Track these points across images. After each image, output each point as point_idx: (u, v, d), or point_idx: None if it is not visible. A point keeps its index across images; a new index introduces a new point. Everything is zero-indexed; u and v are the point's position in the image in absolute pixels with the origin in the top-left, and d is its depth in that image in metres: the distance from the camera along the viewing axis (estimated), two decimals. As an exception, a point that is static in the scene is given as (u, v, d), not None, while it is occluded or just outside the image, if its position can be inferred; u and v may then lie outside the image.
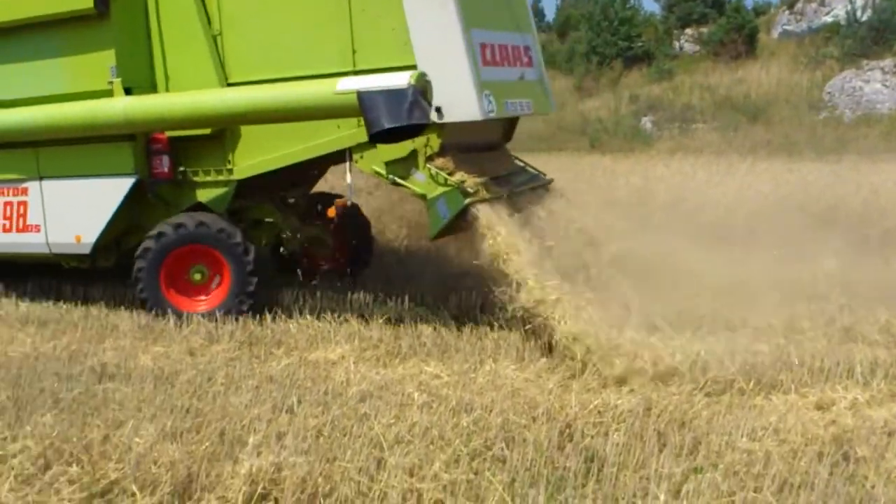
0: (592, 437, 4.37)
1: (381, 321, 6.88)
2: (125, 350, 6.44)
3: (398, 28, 6.67)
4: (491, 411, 4.69)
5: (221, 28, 7.33)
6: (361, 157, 6.99)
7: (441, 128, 6.69)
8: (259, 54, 7.21)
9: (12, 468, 4.32)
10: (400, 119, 6.33)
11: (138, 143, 7.50)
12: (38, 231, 7.93)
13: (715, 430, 4.42)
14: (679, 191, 10.84)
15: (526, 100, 7.40)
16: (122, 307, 7.32)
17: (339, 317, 7.04)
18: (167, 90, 7.46)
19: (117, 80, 7.31)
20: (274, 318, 7.03)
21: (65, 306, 7.47)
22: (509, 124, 8.00)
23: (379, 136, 6.45)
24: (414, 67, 6.47)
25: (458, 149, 6.96)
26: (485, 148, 7.62)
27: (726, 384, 5.11)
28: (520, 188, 7.34)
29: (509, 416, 4.61)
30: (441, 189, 6.68)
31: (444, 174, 6.72)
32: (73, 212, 7.76)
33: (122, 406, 5.06)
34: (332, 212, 7.43)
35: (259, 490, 3.92)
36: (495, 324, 6.40)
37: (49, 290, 8.34)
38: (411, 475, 4.00)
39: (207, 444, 4.41)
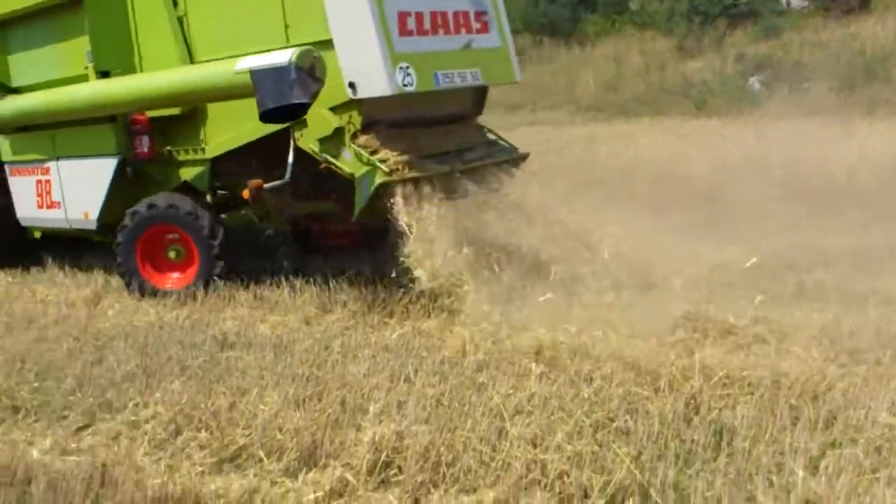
0: (720, 409, 4.23)
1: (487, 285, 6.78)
2: (244, 320, 6.57)
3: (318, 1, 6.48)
4: (612, 382, 4.60)
5: (186, 10, 7.46)
6: (301, 136, 6.80)
7: (360, 104, 6.50)
8: (216, 34, 7.28)
9: (146, 433, 4.50)
10: (282, 98, 6.21)
11: (119, 124, 7.81)
12: (60, 207, 8.45)
13: (852, 403, 4.21)
14: (794, 152, 10.37)
15: (473, 69, 7.04)
16: (239, 279, 7.48)
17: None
18: (141, 72, 7.70)
19: (90, 65, 7.68)
20: (386, 288, 7.06)
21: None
22: (478, 95, 7.62)
23: (269, 116, 6.35)
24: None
25: (393, 124, 6.73)
26: (439, 121, 7.23)
27: (860, 355, 4.88)
28: (473, 164, 6.98)
29: (631, 388, 4.52)
30: (364, 168, 6.47)
31: (366, 153, 6.49)
32: (80, 189, 8.20)
33: (245, 374, 5.17)
34: (245, 193, 7.17)
35: (383, 458, 3.96)
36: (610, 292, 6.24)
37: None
38: (534, 446, 3.96)
39: (330, 411, 4.47)
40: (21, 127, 8.65)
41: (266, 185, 6.98)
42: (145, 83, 7.37)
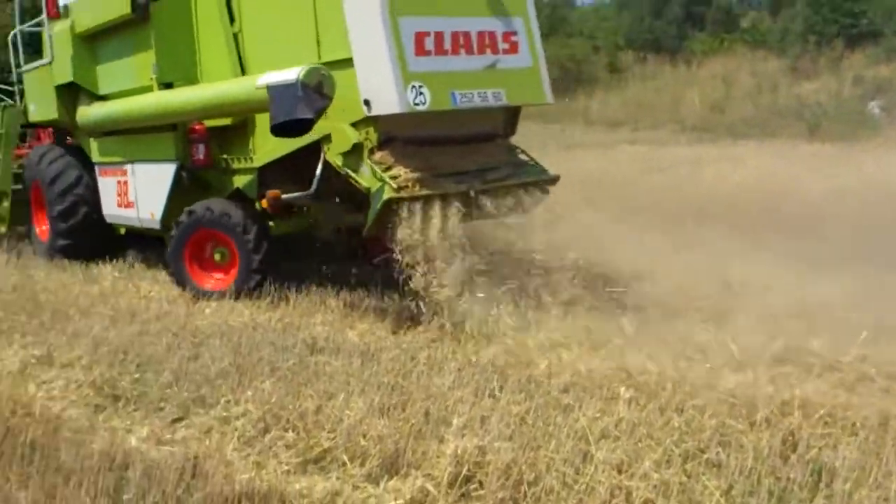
0: (819, 448, 4.04)
1: (584, 308, 6.70)
2: (333, 325, 6.68)
3: (341, 18, 6.70)
4: (704, 413, 4.46)
5: (241, 26, 7.84)
6: (328, 149, 6.93)
7: (376, 121, 6.63)
8: (263, 49, 7.64)
9: (236, 429, 4.60)
10: (289, 113, 6.44)
11: (179, 132, 8.32)
12: (133, 207, 9.04)
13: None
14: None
15: (496, 89, 7.01)
16: (330, 285, 7.59)
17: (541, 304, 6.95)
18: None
19: (154, 77, 8.30)
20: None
21: (278, 281, 7.82)
22: (510, 115, 7.57)
23: (278, 130, 6.62)
24: None
25: (413, 141, 6.81)
26: (465, 140, 7.23)
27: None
28: (492, 184, 6.94)
29: (725, 420, 4.37)
30: (378, 184, 6.57)
31: (380, 169, 6.58)
32: (148, 191, 8.74)
33: (333, 379, 5.22)
34: (263, 203, 7.47)
35: (464, 471, 3.93)
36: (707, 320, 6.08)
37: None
38: (619, 472, 3.88)
39: (413, 421, 4.48)
40: (107, 131, 9.32)
41: (286, 196, 7.25)
42: (186, 96, 7.96)
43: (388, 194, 6.46)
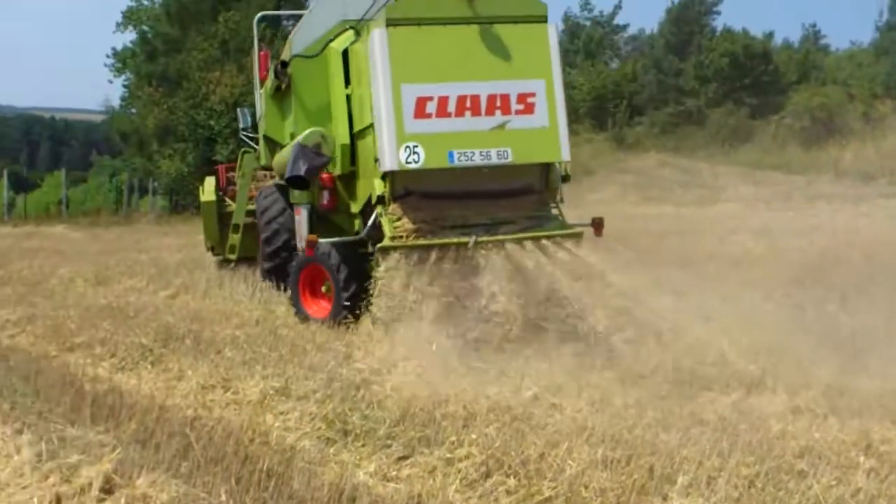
0: None
1: (829, 371, 6.31)
2: (561, 375, 6.55)
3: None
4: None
5: (352, 89, 8.71)
6: (374, 199, 7.96)
7: (393, 175, 7.61)
8: (355, 110, 8.62)
9: (459, 471, 4.68)
10: (291, 170, 7.94)
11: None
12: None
13: None
14: None
15: (502, 148, 7.49)
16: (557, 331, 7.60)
17: (775, 360, 6.64)
18: None
19: (293, 132, 9.65)
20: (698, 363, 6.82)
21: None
22: (543, 171, 8.01)
23: (290, 182, 8.71)
24: None
25: (431, 195, 7.68)
26: (491, 195, 7.77)
27: None
28: (497, 237, 7.40)
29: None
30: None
31: (390, 219, 7.57)
32: (300, 229, 9.71)
33: (557, 428, 5.21)
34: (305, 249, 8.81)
35: (687, 533, 3.80)
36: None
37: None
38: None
39: (637, 476, 4.37)
40: None
41: (325, 240, 8.48)
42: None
43: (383, 243, 7.44)
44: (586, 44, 54.93)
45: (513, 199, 7.90)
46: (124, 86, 43.66)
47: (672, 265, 12.36)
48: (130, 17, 41.89)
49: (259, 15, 11.90)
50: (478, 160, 7.52)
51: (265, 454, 4.96)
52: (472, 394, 5.91)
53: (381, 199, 7.78)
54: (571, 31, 58.27)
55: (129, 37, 43.05)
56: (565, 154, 7.84)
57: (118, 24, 42.39)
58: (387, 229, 7.58)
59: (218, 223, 13.19)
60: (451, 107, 7.50)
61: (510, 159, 7.59)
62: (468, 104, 7.53)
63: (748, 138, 39.01)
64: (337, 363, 6.85)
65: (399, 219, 7.57)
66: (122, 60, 42.96)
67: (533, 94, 7.67)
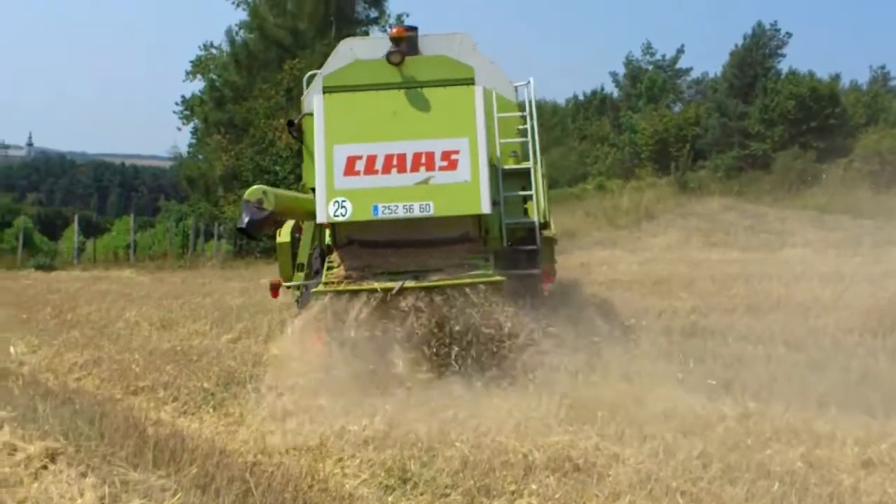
0: None
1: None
2: (617, 424, 6.39)
3: None
4: None
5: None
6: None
7: (333, 227, 8.42)
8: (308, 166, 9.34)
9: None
10: (237, 222, 8.33)
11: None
12: None
13: None
14: None
15: (424, 202, 8.04)
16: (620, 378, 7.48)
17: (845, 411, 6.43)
18: None
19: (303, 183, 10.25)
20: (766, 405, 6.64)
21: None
22: (476, 222, 8.47)
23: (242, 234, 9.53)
24: None
25: (370, 244, 8.42)
26: (430, 243, 8.36)
27: None
28: (421, 283, 7.95)
29: None
30: None
31: (329, 266, 8.47)
32: None
33: (618, 479, 5.10)
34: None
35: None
36: None
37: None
38: None
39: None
40: None
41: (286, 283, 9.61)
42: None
43: (315, 288, 8.24)
44: (648, 88, 54.87)
45: (446, 248, 8.44)
46: (192, 133, 44.96)
47: (738, 312, 12.17)
48: (199, 67, 43.22)
49: (308, 74, 12.33)
50: (401, 213, 8.10)
51: (324, 501, 4.96)
52: (531, 443, 5.83)
53: (329, 248, 8.62)
54: (633, 75, 58.34)
55: (197, 85, 44.39)
56: (485, 207, 8.15)
57: (187, 73, 43.84)
58: (324, 275, 8.41)
59: (292, 263, 13.51)
60: (379, 164, 8.14)
61: (432, 212, 8.11)
62: (394, 162, 8.14)
63: (815, 182, 38.38)
64: (397, 409, 6.82)
65: (337, 266, 8.36)
66: (190, 108, 44.29)
67: (457, 151, 8.16)
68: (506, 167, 9.36)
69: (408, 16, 38.31)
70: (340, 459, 5.80)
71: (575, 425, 6.33)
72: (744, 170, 43.04)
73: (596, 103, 58.43)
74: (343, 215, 8.11)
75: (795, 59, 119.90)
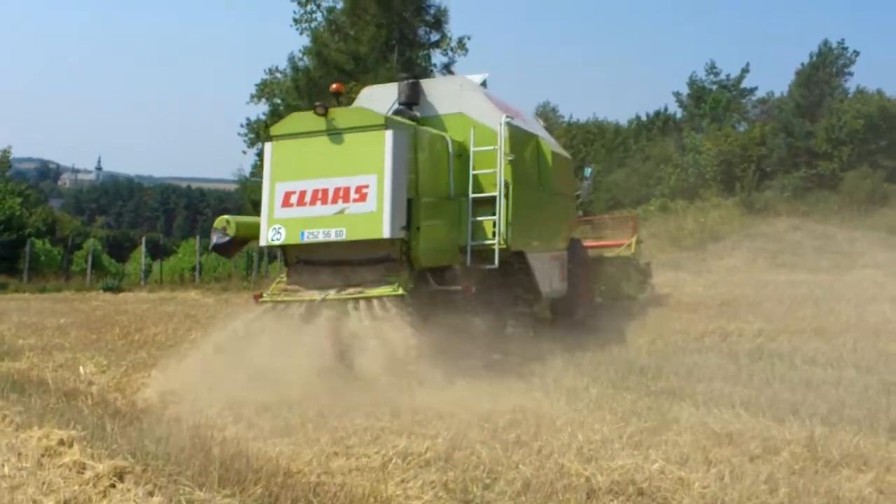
0: None
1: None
2: (682, 448, 6.30)
3: None
4: None
5: None
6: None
7: (283, 249, 10.45)
8: None
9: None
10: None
11: None
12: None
13: None
14: None
15: (339, 228, 9.67)
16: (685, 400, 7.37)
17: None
18: None
19: None
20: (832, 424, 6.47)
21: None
22: (393, 245, 9.90)
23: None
24: None
25: (311, 262, 10.21)
26: (359, 262, 9.99)
27: None
28: (340, 296, 9.56)
29: None
30: None
31: (278, 281, 10.47)
32: None
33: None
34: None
35: None
36: None
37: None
38: None
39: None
40: None
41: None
42: None
43: (263, 299, 10.02)
44: (713, 108, 54.19)
45: (371, 267, 9.96)
46: (256, 155, 45.71)
47: (806, 334, 11.91)
48: (263, 90, 43.99)
49: (367, 89, 13.07)
50: (321, 238, 9.77)
51: (385, 523, 4.96)
52: (595, 466, 5.76)
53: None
54: (697, 95, 57.68)
55: (261, 108, 45.13)
56: (386, 232, 9.57)
57: (252, 97, 44.61)
58: (270, 288, 10.31)
59: None
60: (307, 198, 9.86)
61: (344, 237, 9.69)
62: (319, 195, 9.80)
63: (885, 202, 37.40)
64: (458, 432, 6.81)
65: (282, 281, 10.28)
66: (254, 131, 45.03)
67: (367, 186, 9.68)
68: (476, 195, 11.11)
69: (469, 38, 38.33)
70: (403, 480, 5.77)
71: (639, 449, 6.24)
72: (811, 189, 42.18)
73: (659, 124, 57.91)
74: (278, 239, 9.97)
75: (864, 77, 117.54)
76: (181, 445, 6.24)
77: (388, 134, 9.72)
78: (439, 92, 12.04)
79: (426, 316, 9.63)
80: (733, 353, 10.41)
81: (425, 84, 12.15)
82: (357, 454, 6.36)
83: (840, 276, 22.44)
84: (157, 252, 47.13)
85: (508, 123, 11.39)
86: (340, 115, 10.07)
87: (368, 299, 9.40)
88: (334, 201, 9.72)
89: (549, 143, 13.90)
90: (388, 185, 9.59)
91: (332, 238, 9.69)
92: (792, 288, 18.97)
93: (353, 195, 9.68)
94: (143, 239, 42.83)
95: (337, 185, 9.74)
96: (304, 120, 10.26)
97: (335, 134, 9.95)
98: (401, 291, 9.44)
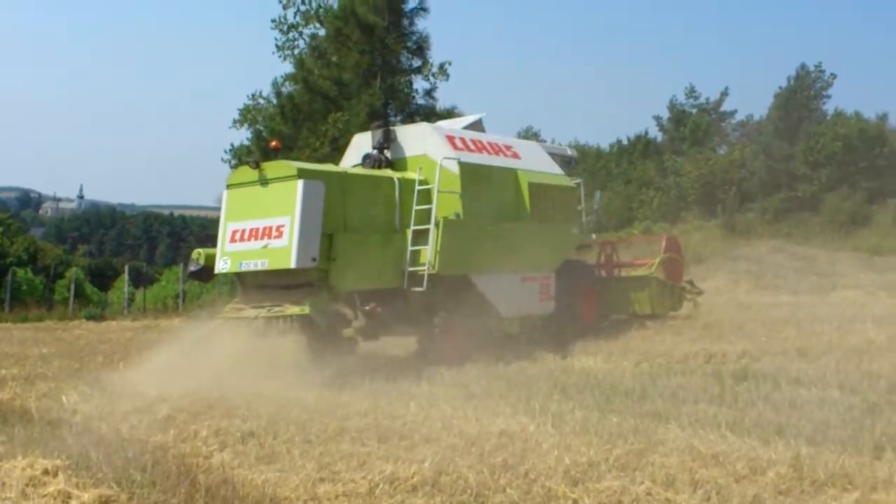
0: None
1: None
2: (668, 469, 6.30)
3: None
4: None
5: None
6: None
7: (239, 275, 12.69)
8: None
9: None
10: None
11: None
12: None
13: None
14: None
15: (262, 260, 11.98)
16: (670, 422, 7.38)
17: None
18: None
19: None
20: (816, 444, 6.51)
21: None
22: (312, 274, 11.96)
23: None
24: None
25: (261, 286, 12.43)
26: (290, 287, 12.12)
27: None
28: (267, 315, 11.89)
29: None
30: None
31: (234, 302, 12.86)
32: None
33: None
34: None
35: None
36: None
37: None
38: None
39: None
40: None
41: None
42: None
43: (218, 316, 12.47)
44: (693, 131, 54.69)
45: (297, 291, 12.05)
46: (239, 182, 45.33)
47: (790, 355, 11.97)
48: (246, 116, 43.92)
49: (356, 136, 15.31)
50: (252, 267, 12.09)
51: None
52: (582, 488, 5.77)
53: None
54: (677, 119, 58.22)
55: (244, 134, 44.94)
56: (293, 263, 11.62)
57: (234, 122, 44.41)
58: (226, 308, 12.70)
59: None
60: (246, 235, 12.22)
61: (266, 266, 11.94)
62: (252, 233, 12.13)
63: (866, 223, 37.74)
64: (442, 457, 6.79)
65: (238, 302, 12.66)
66: (237, 157, 44.89)
67: (283, 226, 11.80)
68: (417, 227, 12.92)
69: (450, 64, 38.33)
70: (390, 506, 5.78)
71: (626, 471, 6.25)
72: (792, 211, 42.55)
73: (640, 147, 58.36)
74: (225, 268, 12.49)
75: (841, 99, 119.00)
76: (167, 473, 6.21)
77: (300, 183, 11.82)
78: (407, 136, 14.13)
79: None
80: (718, 375, 10.45)
81: (397, 130, 14.37)
82: (344, 479, 6.34)
83: (822, 298, 22.60)
84: (140, 280, 46.75)
85: (459, 161, 13.28)
86: (269, 168, 12.43)
87: (285, 317, 11.95)
88: (262, 238, 12.03)
89: (542, 173, 15.07)
90: (297, 224, 11.67)
91: (259, 267, 12.02)
92: (774, 309, 19.08)
93: (273, 233, 11.92)
94: (126, 267, 42.56)
95: (265, 225, 12.04)
96: (246, 172, 12.63)
97: (265, 183, 12.30)
98: (307, 311, 11.54)
